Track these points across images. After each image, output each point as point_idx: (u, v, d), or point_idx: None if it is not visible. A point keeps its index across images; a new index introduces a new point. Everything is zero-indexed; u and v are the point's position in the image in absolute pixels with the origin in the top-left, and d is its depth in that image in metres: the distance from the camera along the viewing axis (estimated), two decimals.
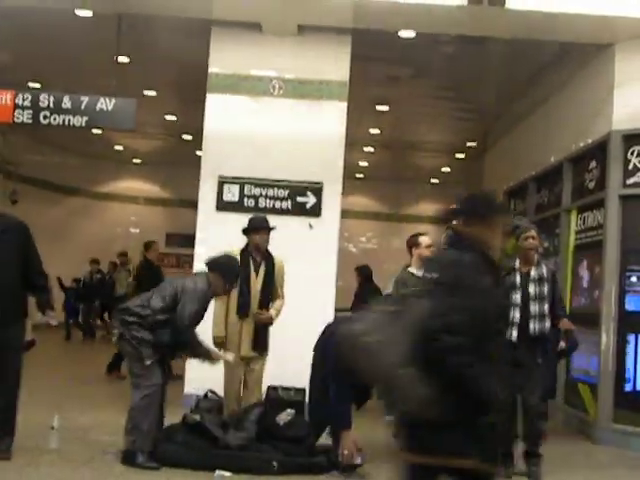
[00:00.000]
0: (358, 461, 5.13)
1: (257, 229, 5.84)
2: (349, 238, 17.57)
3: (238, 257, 5.77)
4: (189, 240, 8.74)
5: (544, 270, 5.59)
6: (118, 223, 18.40)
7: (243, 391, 5.83)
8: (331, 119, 7.72)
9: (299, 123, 7.74)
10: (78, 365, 10.98)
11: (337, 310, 7.64)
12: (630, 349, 7.05)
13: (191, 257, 7.76)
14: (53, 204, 16.62)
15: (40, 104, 7.43)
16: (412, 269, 6.24)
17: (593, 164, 7.79)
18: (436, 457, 2.69)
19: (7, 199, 13.75)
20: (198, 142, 8.14)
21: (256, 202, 7.60)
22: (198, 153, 8.33)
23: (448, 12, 7.07)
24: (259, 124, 7.73)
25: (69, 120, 7.47)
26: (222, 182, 7.65)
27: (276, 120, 7.74)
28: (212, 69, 7.76)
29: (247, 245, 5.88)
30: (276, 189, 7.63)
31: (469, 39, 8.20)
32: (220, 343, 5.74)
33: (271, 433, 5.33)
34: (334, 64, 7.71)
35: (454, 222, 2.99)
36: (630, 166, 7.18)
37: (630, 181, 7.17)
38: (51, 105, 7.44)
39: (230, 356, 5.54)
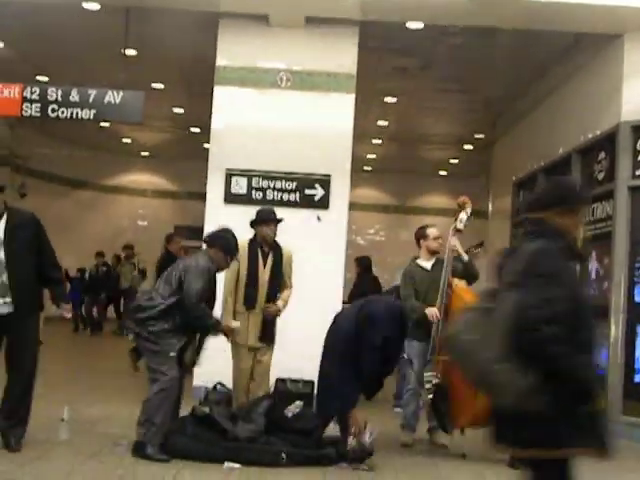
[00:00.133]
0: (367, 437, 5.20)
1: (265, 221, 5.84)
2: (357, 230, 17.56)
3: (246, 248, 5.79)
4: (197, 232, 8.72)
5: None
6: (126, 216, 18.45)
7: (251, 383, 5.85)
8: (339, 111, 7.70)
9: (307, 115, 7.73)
10: (86, 357, 11.03)
11: (345, 302, 7.66)
12: (639, 341, 7.03)
13: (199, 249, 7.75)
14: (61, 197, 16.68)
15: (48, 97, 7.44)
16: (420, 261, 6.24)
17: (602, 155, 7.75)
18: (540, 449, 2.68)
19: (16, 192, 13.78)
20: (206, 135, 8.15)
21: (264, 194, 7.60)
22: (206, 146, 8.33)
23: (456, 3, 7.05)
24: (267, 116, 7.73)
25: (77, 113, 7.48)
26: (230, 174, 7.65)
27: (284, 112, 7.73)
28: (220, 62, 7.75)
29: (255, 236, 5.89)
30: (284, 181, 7.63)
31: (477, 30, 8.17)
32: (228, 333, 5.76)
33: (279, 425, 5.34)
34: (342, 56, 7.69)
35: (534, 211, 2.93)
36: (639, 157, 7.15)
37: (639, 172, 7.14)
38: (59, 98, 7.45)
39: (236, 324, 5.62)
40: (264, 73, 7.76)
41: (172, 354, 5.14)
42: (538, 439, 2.67)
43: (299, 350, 6.40)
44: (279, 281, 5.88)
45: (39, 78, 10.90)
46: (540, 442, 2.67)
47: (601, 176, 7.77)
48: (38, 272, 5.07)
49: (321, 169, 7.64)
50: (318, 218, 7.60)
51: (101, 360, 10.53)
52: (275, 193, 7.62)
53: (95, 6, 8.17)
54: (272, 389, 6.27)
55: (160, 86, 11.62)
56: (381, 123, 13.23)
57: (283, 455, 5.11)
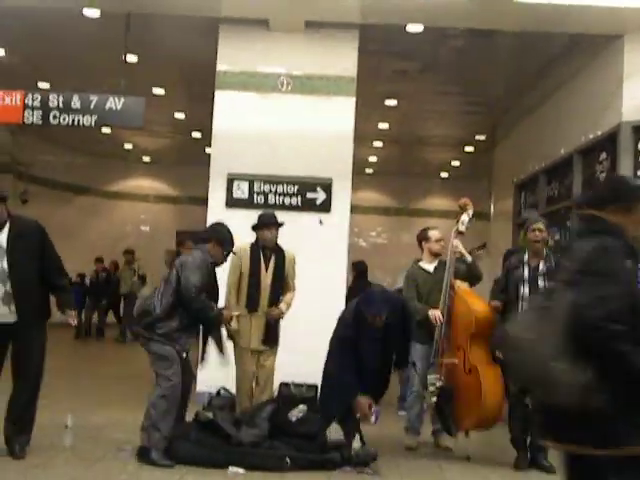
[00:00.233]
0: (373, 420, 5.28)
1: (266, 225, 5.85)
2: (359, 233, 17.57)
3: (248, 251, 5.79)
4: None
5: (553, 264, 5.55)
6: (128, 221, 18.47)
7: (255, 388, 5.85)
8: (340, 114, 7.71)
9: (308, 119, 7.73)
10: (89, 363, 11.02)
11: None
12: None
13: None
14: (63, 203, 16.69)
15: (49, 104, 7.45)
16: (422, 263, 6.24)
17: (603, 156, 7.75)
18: (597, 447, 2.64)
19: (17, 199, 13.80)
20: (207, 139, 8.15)
21: (266, 199, 7.61)
22: (207, 150, 8.36)
23: (456, 5, 7.05)
24: (268, 121, 7.74)
25: (79, 120, 7.49)
26: (231, 179, 7.66)
27: (285, 116, 7.74)
28: (220, 66, 7.77)
29: (257, 240, 5.90)
30: (285, 185, 7.63)
31: (477, 32, 8.17)
32: (232, 336, 5.77)
33: (283, 430, 5.34)
34: (342, 59, 7.70)
35: (589, 209, 2.90)
36: None
37: None
38: (60, 105, 7.46)
39: (237, 312, 5.64)
40: (265, 77, 7.77)
41: (184, 355, 5.17)
42: (596, 437, 2.63)
43: (302, 353, 6.40)
44: (281, 284, 5.88)
45: (40, 85, 10.93)
46: (598, 440, 2.63)
47: (603, 176, 7.77)
48: (44, 279, 5.08)
49: (322, 172, 7.64)
50: (320, 222, 7.61)
51: (103, 366, 10.52)
52: (277, 197, 7.62)
53: (96, 13, 8.20)
54: (276, 393, 6.27)
55: (161, 91, 11.63)
56: (382, 126, 13.23)
57: (287, 459, 5.11)
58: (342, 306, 7.39)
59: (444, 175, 17.34)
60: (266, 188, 7.63)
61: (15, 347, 5.06)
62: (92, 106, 7.46)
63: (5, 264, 4.93)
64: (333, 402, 5.43)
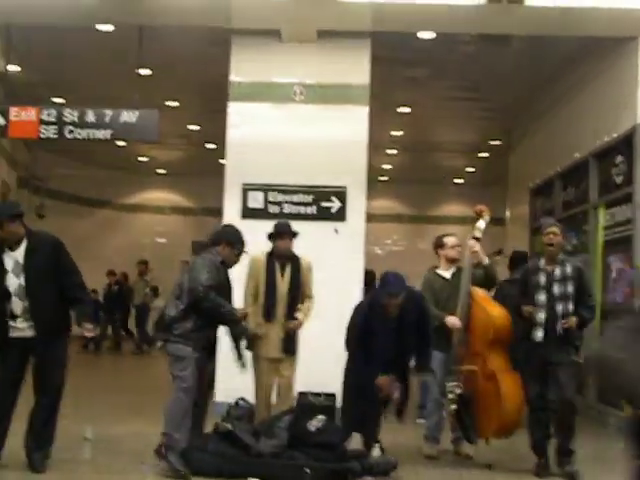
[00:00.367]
0: (396, 395, 5.30)
1: (280, 234, 5.85)
2: (375, 241, 17.51)
3: (264, 261, 5.80)
4: None
5: (568, 269, 5.50)
6: (144, 234, 18.53)
7: (277, 398, 5.83)
8: (353, 123, 7.71)
9: (321, 128, 7.74)
10: (106, 376, 11.06)
11: None
12: None
13: None
14: (79, 217, 16.78)
15: (64, 119, 7.50)
16: (439, 270, 6.21)
17: (619, 159, 7.69)
18: None
19: (34, 214, 13.89)
20: (221, 151, 8.18)
21: (281, 208, 7.61)
22: (222, 161, 8.36)
23: (467, 12, 7.04)
24: (281, 130, 7.75)
25: (94, 134, 7.54)
26: (246, 189, 7.67)
27: (298, 126, 7.75)
28: (233, 77, 7.80)
29: (273, 250, 5.90)
30: (300, 195, 7.64)
31: (489, 38, 8.16)
32: (250, 345, 5.76)
33: (302, 440, 5.31)
34: (354, 68, 7.71)
35: None
36: None
37: None
38: (75, 120, 7.51)
39: (249, 309, 5.65)
40: (278, 88, 7.79)
41: (197, 355, 5.18)
42: None
43: (318, 362, 6.38)
44: (298, 292, 5.86)
45: (55, 100, 11.02)
46: None
47: (619, 180, 7.71)
48: (63, 294, 5.10)
49: (337, 181, 7.64)
50: (335, 230, 7.59)
51: (121, 378, 10.55)
52: (292, 207, 7.62)
53: (109, 27, 8.27)
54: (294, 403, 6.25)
55: (175, 104, 11.70)
56: (396, 133, 13.23)
57: (307, 470, 5.08)
58: None
59: (459, 181, 17.29)
60: (281, 198, 7.64)
61: (36, 362, 5.09)
62: (107, 120, 7.50)
63: (22, 280, 4.97)
64: (354, 409, 5.40)
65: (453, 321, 5.80)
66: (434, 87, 10.48)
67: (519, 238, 11.13)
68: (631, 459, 2.64)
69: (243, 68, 7.79)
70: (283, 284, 5.81)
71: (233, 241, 5.45)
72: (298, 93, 7.77)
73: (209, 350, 5.42)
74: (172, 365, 5.26)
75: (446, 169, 16.23)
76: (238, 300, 5.71)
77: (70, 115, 7.51)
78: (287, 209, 7.60)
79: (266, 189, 7.65)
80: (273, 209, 7.61)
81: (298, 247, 5.92)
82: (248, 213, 7.61)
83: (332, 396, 6.57)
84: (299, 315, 5.83)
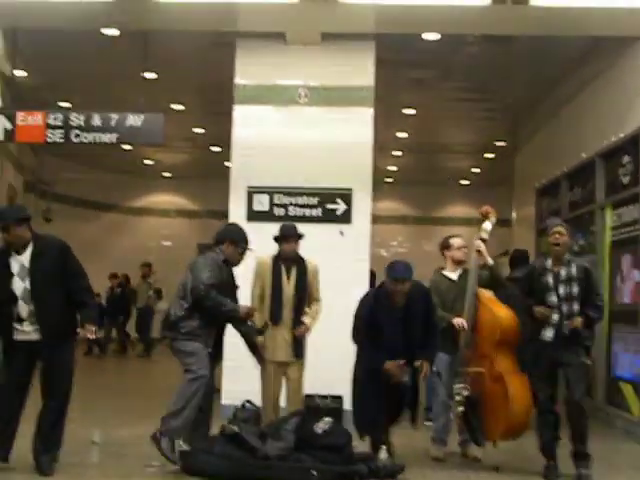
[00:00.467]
0: (406, 378, 5.23)
1: (285, 237, 5.85)
2: (380, 243, 17.49)
3: (270, 264, 5.80)
4: None
5: (573, 269, 5.47)
6: (151, 237, 18.57)
7: (286, 403, 5.83)
8: (358, 125, 7.70)
9: (327, 130, 7.74)
10: (111, 379, 11.07)
11: None
12: None
13: None
14: (86, 221, 16.83)
15: (71, 123, 7.53)
16: (446, 272, 6.20)
17: (626, 159, 7.67)
18: None
19: (40, 218, 13.93)
20: (226, 153, 8.19)
21: (286, 211, 7.61)
22: (227, 164, 8.38)
23: (471, 13, 7.03)
24: (287, 133, 7.76)
25: (100, 138, 7.57)
26: (251, 192, 7.68)
27: (303, 128, 7.76)
28: (238, 80, 7.80)
29: (278, 252, 5.90)
30: (306, 197, 7.64)
31: (494, 38, 8.15)
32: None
33: (309, 442, 5.30)
34: (359, 70, 7.71)
35: None
36: None
37: None
38: (82, 124, 7.53)
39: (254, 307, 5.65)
40: (283, 90, 7.79)
41: (208, 350, 5.23)
42: None
43: (325, 365, 6.37)
44: (304, 295, 5.86)
45: (61, 104, 11.04)
46: None
47: (626, 180, 7.69)
48: (70, 298, 5.11)
49: (342, 183, 7.63)
50: (341, 233, 7.59)
51: (127, 381, 10.56)
52: (297, 209, 7.62)
53: (114, 31, 8.28)
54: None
55: (180, 107, 11.72)
56: (401, 135, 13.21)
57: (314, 472, 5.07)
58: None
59: (465, 182, 17.27)
60: (286, 200, 7.64)
61: (43, 366, 5.10)
62: (113, 124, 7.52)
63: (28, 283, 4.99)
64: (364, 409, 5.38)
65: (460, 321, 5.78)
66: (439, 88, 10.47)
67: (525, 239, 11.11)
68: None
69: (248, 71, 7.79)
70: (289, 287, 5.81)
71: (237, 239, 5.46)
72: (303, 95, 7.78)
73: (213, 353, 5.42)
74: (183, 361, 5.30)
75: (452, 170, 16.21)
76: (245, 302, 5.71)
77: (76, 119, 7.54)
78: (292, 211, 7.60)
79: (271, 191, 7.65)
80: (278, 211, 7.61)
81: (303, 249, 5.92)
82: (253, 216, 7.62)
83: (339, 398, 6.57)
84: (306, 319, 5.82)
